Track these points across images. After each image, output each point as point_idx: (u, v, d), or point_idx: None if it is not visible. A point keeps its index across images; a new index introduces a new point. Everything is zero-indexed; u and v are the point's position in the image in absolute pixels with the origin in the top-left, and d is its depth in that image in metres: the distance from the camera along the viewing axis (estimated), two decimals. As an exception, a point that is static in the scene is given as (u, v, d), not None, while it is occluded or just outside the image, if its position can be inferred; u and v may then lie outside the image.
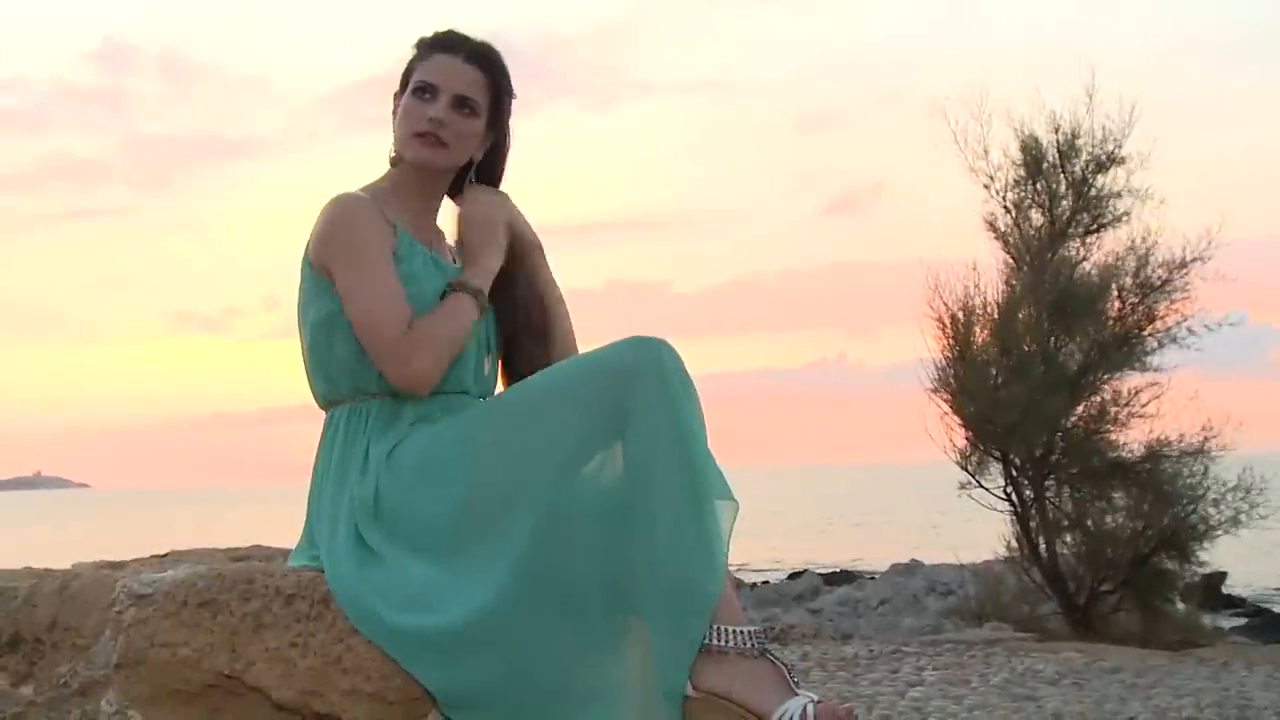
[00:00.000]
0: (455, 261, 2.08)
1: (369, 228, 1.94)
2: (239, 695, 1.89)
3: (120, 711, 1.92)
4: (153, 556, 2.34)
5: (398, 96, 2.05)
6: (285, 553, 2.20)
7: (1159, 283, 7.52)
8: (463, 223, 2.07)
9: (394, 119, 2.05)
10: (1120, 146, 7.60)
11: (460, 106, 2.00)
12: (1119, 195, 7.64)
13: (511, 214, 2.09)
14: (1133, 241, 7.56)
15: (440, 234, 2.11)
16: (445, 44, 2.03)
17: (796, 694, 1.72)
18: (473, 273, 2.01)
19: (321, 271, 1.96)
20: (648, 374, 1.78)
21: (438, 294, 1.97)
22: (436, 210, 2.11)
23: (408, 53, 2.07)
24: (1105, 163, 7.64)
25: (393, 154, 2.05)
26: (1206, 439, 7.45)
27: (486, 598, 1.75)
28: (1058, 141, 7.68)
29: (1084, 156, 7.66)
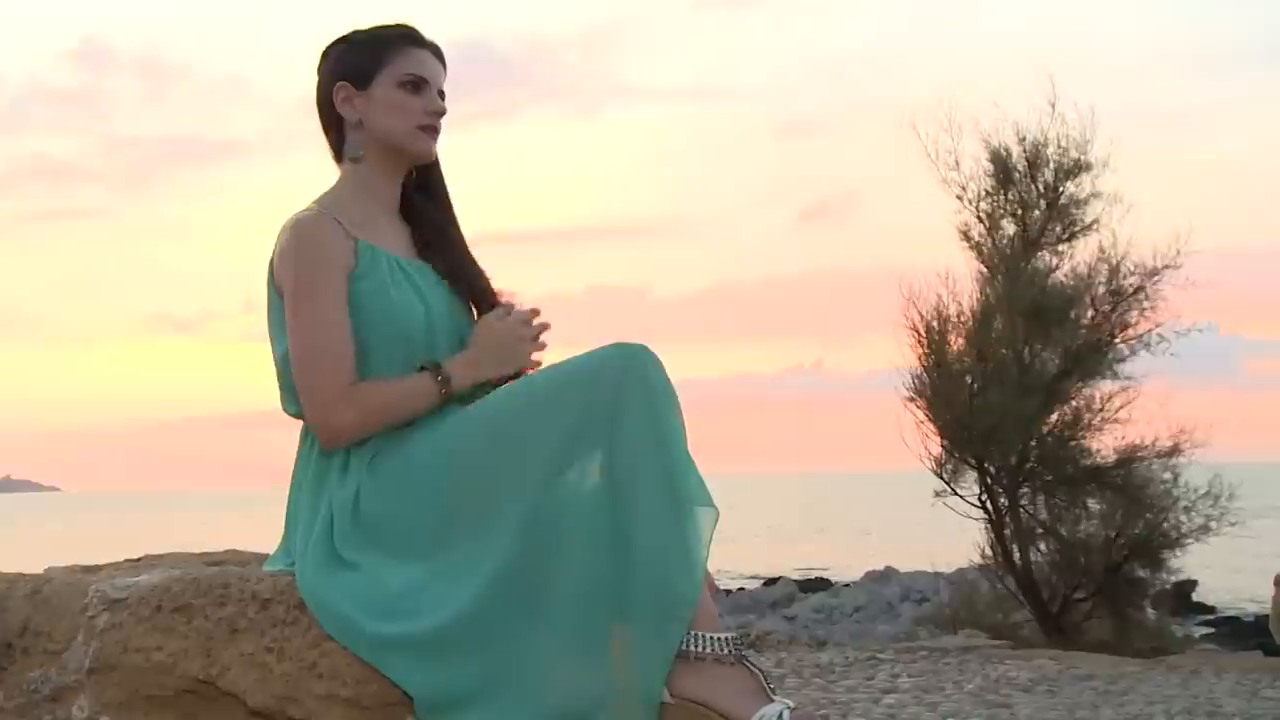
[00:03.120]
0: (418, 251, 2.04)
1: (326, 255, 1.90)
2: (213, 700, 1.88)
3: (92, 717, 1.91)
4: (126, 561, 2.32)
5: (349, 89, 1.99)
6: (261, 557, 2.20)
7: (1131, 290, 7.60)
8: (484, 329, 1.98)
9: (354, 111, 2.00)
10: (1085, 153, 7.70)
11: (442, 100, 2.03)
12: (1087, 201, 7.73)
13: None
14: (1104, 249, 7.65)
15: (404, 226, 2.06)
16: (415, 39, 2.03)
17: (773, 700, 1.73)
18: (460, 367, 1.93)
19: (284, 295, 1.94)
20: (631, 380, 1.78)
21: (405, 301, 1.94)
22: (398, 204, 2.07)
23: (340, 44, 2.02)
24: (1072, 170, 7.73)
25: (358, 152, 2.01)
26: (1177, 446, 7.53)
27: (465, 602, 1.75)
28: (1025, 151, 7.76)
29: (1051, 165, 7.74)
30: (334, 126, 2.04)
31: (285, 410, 2.01)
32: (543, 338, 2.02)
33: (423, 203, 2.08)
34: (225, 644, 1.87)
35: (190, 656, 1.88)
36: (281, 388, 2.00)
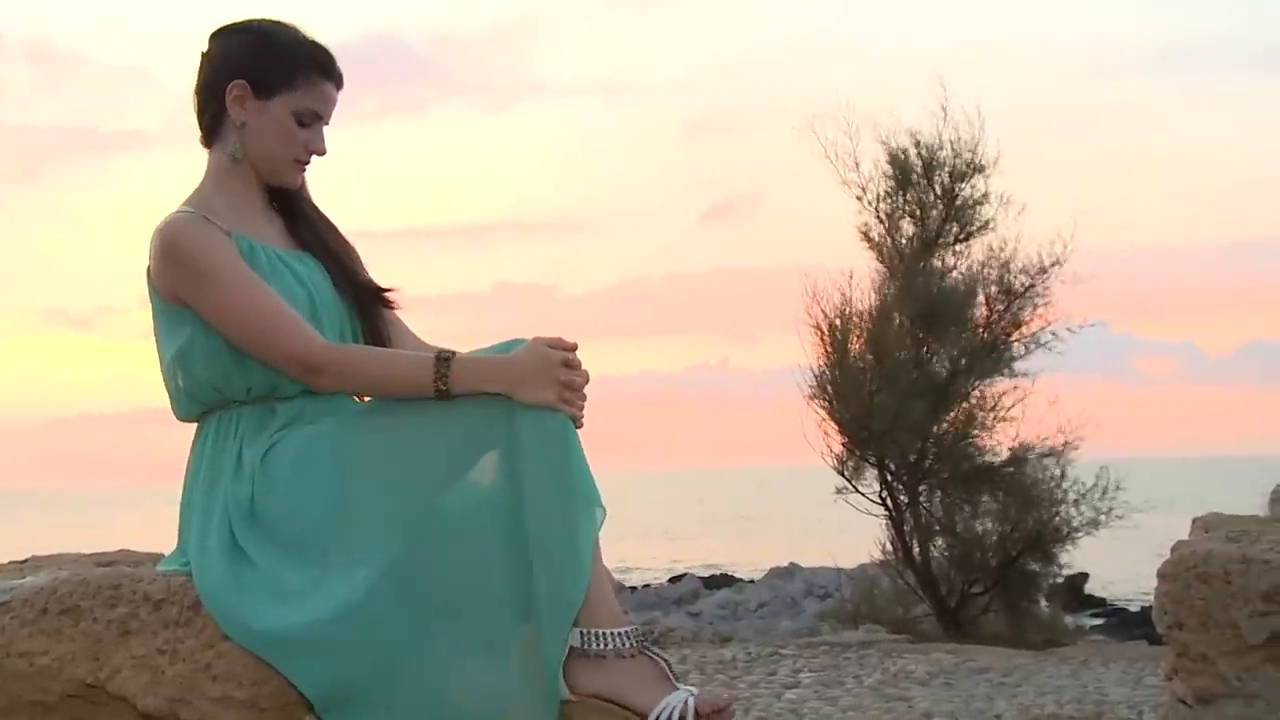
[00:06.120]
0: (293, 238, 2.01)
1: (214, 241, 1.87)
2: (102, 705, 1.83)
3: (-26, 724, 1.85)
4: (11, 563, 2.25)
5: (245, 90, 1.92)
6: (156, 557, 2.14)
7: (1022, 289, 7.82)
8: (530, 347, 1.79)
9: (243, 114, 1.93)
10: (975, 153, 7.92)
11: (326, 128, 1.99)
12: (982, 201, 7.95)
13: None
14: (994, 249, 7.87)
15: (275, 216, 2.03)
16: (330, 70, 1.97)
17: (677, 688, 1.74)
18: (471, 363, 1.78)
19: (172, 301, 1.89)
20: None
21: (287, 289, 1.90)
22: (267, 200, 2.02)
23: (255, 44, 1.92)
24: (967, 171, 7.94)
25: (239, 153, 1.95)
26: (1066, 442, 7.76)
27: (355, 594, 1.73)
28: (921, 153, 7.95)
29: (947, 167, 7.95)
30: (215, 114, 1.97)
31: (176, 415, 1.97)
32: (583, 392, 1.78)
33: (292, 194, 2.04)
34: (115, 646, 1.82)
35: (78, 660, 1.83)
36: (170, 394, 1.96)
